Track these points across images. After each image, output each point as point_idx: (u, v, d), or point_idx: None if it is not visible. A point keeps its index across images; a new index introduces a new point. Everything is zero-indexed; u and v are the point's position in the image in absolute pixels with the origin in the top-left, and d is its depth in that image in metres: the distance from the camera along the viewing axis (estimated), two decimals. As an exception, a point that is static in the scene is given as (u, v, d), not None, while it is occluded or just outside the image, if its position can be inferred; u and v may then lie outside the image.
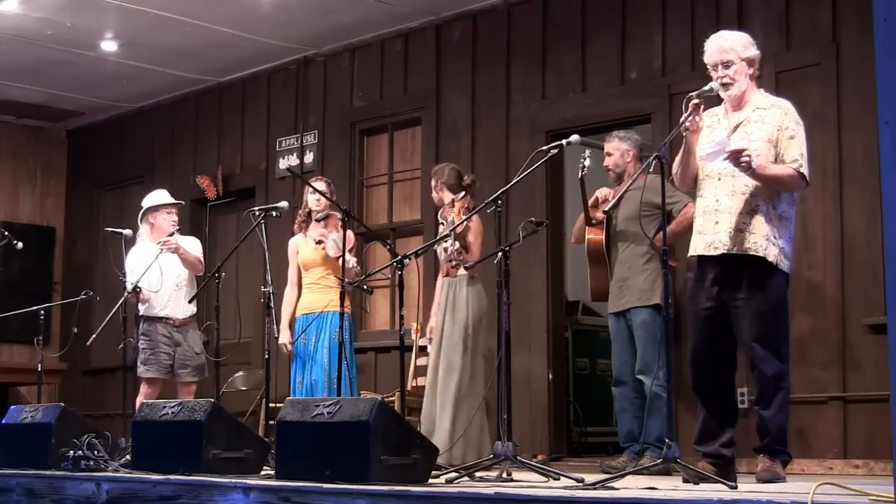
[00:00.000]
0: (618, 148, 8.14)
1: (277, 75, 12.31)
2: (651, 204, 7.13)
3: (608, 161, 8.17)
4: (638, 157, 8.11)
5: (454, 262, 7.99)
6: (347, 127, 11.47)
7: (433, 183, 8.48)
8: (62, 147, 14.92)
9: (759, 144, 6.05)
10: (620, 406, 7.93)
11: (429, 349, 8.39)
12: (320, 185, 8.71)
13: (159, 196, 9.40)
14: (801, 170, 6.06)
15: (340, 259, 7.91)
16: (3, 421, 7.67)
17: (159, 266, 8.87)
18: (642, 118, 9.44)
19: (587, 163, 7.95)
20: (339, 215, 8.53)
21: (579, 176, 8.02)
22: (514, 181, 6.69)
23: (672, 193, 6.78)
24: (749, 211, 6.04)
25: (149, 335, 8.98)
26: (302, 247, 8.84)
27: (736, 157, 5.88)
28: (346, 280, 7.72)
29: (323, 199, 8.73)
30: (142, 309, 8.97)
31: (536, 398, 9.58)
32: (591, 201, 8.12)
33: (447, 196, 8.33)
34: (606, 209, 6.29)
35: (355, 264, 8.41)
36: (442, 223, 8.36)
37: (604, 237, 8.00)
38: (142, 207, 9.39)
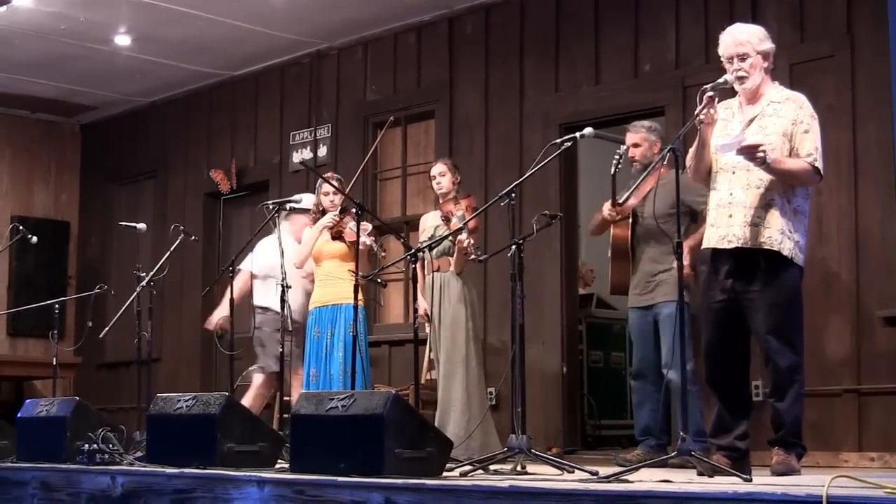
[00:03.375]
0: (646, 139, 7.95)
1: (291, 69, 12.31)
2: (685, 202, 7.09)
3: (635, 152, 7.93)
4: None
5: (471, 256, 8.01)
6: (361, 120, 11.47)
7: (447, 171, 8.46)
8: (76, 141, 14.94)
9: (774, 138, 6.04)
10: (639, 399, 7.88)
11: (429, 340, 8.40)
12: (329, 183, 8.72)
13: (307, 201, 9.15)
14: (816, 164, 6.06)
15: (356, 249, 7.90)
16: (19, 415, 7.70)
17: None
18: (656, 111, 9.41)
19: (621, 158, 7.86)
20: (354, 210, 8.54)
21: (612, 172, 7.83)
22: (528, 174, 6.69)
23: (704, 193, 6.75)
24: (764, 205, 6.03)
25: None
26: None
27: (751, 151, 5.87)
28: (361, 273, 7.73)
29: (336, 199, 8.74)
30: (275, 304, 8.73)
31: (550, 391, 9.58)
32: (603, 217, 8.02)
33: (451, 190, 8.35)
34: (621, 202, 6.26)
35: (372, 243, 8.40)
36: (445, 218, 8.35)
37: (629, 233, 7.92)
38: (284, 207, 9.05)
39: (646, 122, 8.09)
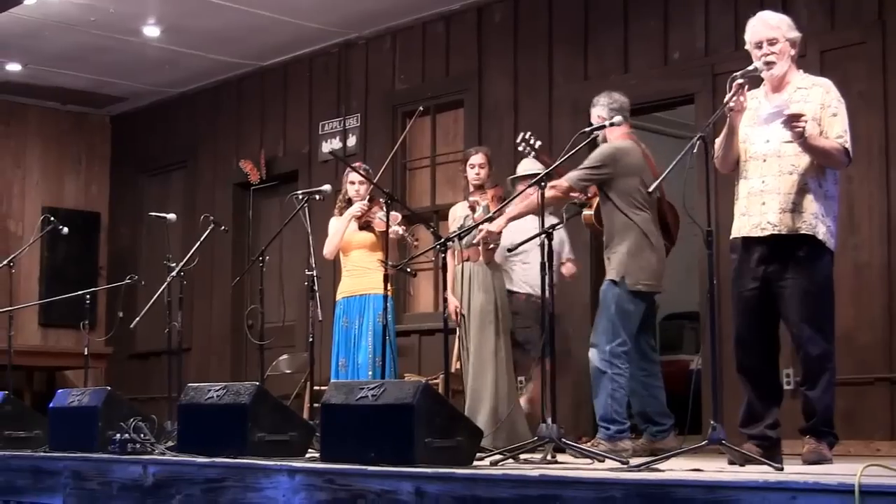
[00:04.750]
0: (597, 115, 7.66)
1: (319, 59, 12.32)
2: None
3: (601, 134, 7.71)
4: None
5: (490, 246, 8.02)
6: (390, 110, 11.47)
7: (486, 163, 8.44)
8: (106, 132, 15.01)
9: (806, 118, 6.00)
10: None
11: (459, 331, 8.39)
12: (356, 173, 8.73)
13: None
14: (846, 145, 6.03)
15: (385, 238, 7.91)
16: (51, 405, 7.73)
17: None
18: (685, 99, 9.40)
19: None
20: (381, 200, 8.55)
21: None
22: (557, 162, 6.67)
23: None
24: (798, 190, 5.99)
25: None
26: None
27: (794, 119, 5.83)
28: (390, 263, 7.74)
29: (362, 189, 8.74)
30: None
31: (581, 381, 9.55)
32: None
33: (486, 182, 8.34)
34: (650, 190, 6.25)
35: (403, 231, 8.41)
36: (472, 207, 8.35)
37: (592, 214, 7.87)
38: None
39: (602, 98, 7.81)
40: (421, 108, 9.01)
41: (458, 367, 8.48)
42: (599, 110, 7.66)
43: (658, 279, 7.40)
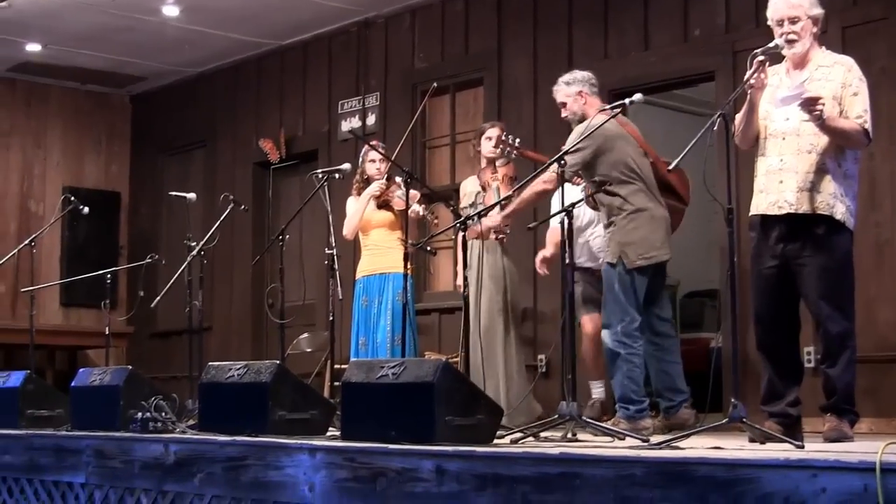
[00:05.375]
0: (567, 94, 7.65)
1: (338, 38, 12.31)
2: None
3: (565, 112, 7.68)
4: (591, 94, 7.68)
5: (500, 236, 8.07)
6: (409, 88, 11.46)
7: (498, 133, 8.44)
8: (126, 112, 15.03)
9: (824, 101, 5.98)
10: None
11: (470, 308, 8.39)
12: (375, 151, 8.73)
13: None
14: (866, 126, 6.01)
15: (404, 217, 7.91)
16: (73, 384, 7.76)
17: None
18: (706, 76, 9.36)
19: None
20: (399, 179, 8.55)
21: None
22: (578, 141, 6.66)
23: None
24: (816, 170, 5.97)
25: None
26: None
27: (811, 103, 5.81)
28: (410, 241, 7.74)
29: (382, 166, 8.74)
30: None
31: (601, 358, 9.54)
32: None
33: (496, 156, 8.33)
34: (670, 168, 6.21)
35: (422, 210, 8.41)
36: (485, 185, 8.35)
37: None
38: None
39: (563, 76, 7.75)
40: (435, 84, 8.99)
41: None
42: (576, 87, 7.61)
43: (658, 248, 7.26)
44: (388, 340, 8.47)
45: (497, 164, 8.48)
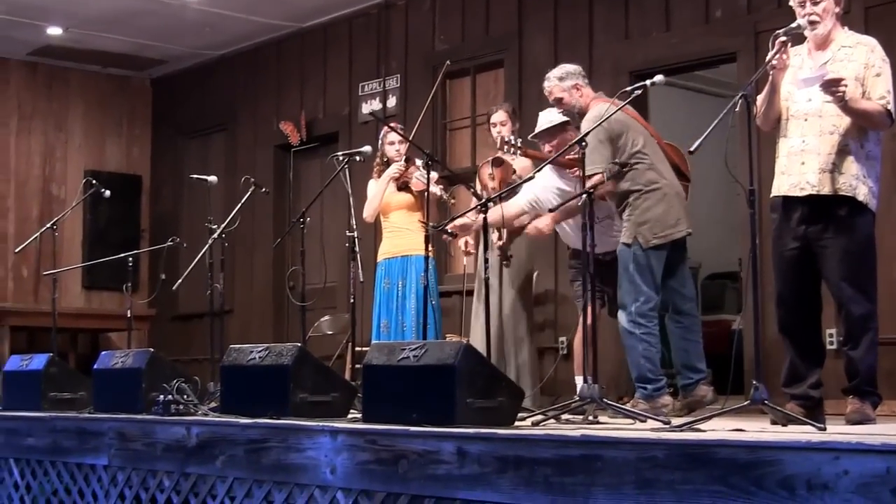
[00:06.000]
0: (563, 89, 7.52)
1: (359, 20, 12.31)
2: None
3: (561, 108, 7.61)
4: (585, 86, 7.54)
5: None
6: (430, 70, 11.44)
7: (507, 120, 8.45)
8: (147, 96, 15.06)
9: (847, 82, 5.95)
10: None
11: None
12: (395, 133, 8.72)
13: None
14: (889, 107, 5.97)
15: (425, 197, 7.90)
16: (95, 366, 7.78)
17: None
18: (727, 57, 9.33)
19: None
20: (419, 162, 8.55)
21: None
22: (598, 123, 6.64)
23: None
24: (838, 151, 5.94)
25: None
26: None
27: (833, 85, 5.78)
28: (431, 224, 7.73)
29: (402, 148, 8.74)
30: None
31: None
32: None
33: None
34: (692, 150, 6.17)
35: (441, 192, 8.41)
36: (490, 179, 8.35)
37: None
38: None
39: (553, 72, 7.64)
40: (449, 62, 8.97)
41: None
42: (571, 81, 7.52)
43: (673, 226, 7.19)
44: (415, 323, 8.47)
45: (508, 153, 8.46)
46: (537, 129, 7.92)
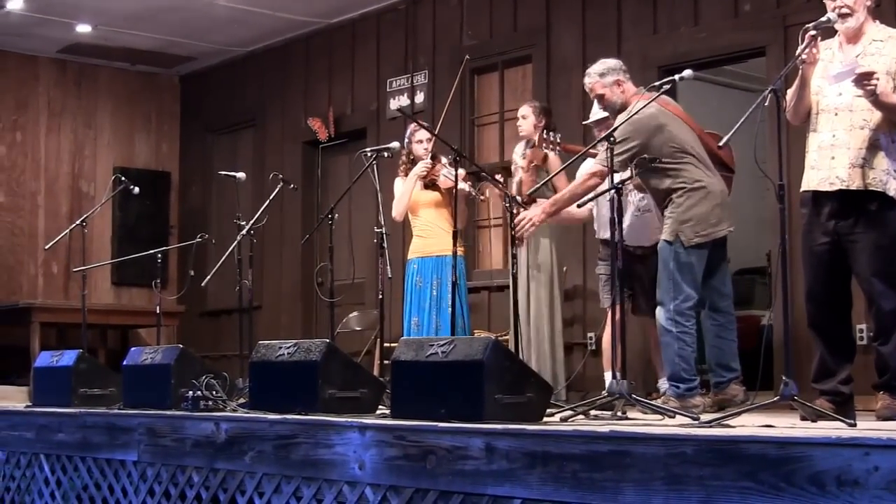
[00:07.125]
0: (604, 85, 7.45)
1: (387, 16, 12.30)
2: None
3: (602, 104, 7.58)
4: (626, 81, 7.48)
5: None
6: (457, 66, 11.42)
7: (529, 114, 8.51)
8: (175, 92, 15.11)
9: (878, 76, 5.91)
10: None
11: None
12: (422, 132, 8.73)
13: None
14: (921, 102, 5.94)
15: (451, 195, 7.89)
16: (125, 362, 7.81)
17: None
18: (756, 51, 9.28)
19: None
20: (444, 159, 8.56)
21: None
22: (627, 117, 6.62)
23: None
24: (869, 146, 5.91)
25: None
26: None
27: (866, 79, 5.74)
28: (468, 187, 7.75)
29: (429, 146, 8.74)
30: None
31: (651, 336, 9.51)
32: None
33: (532, 134, 8.32)
34: (721, 144, 6.14)
35: (469, 188, 8.41)
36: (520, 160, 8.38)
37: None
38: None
39: (594, 68, 7.53)
40: (468, 57, 8.94)
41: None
42: (612, 76, 7.47)
43: (716, 225, 7.17)
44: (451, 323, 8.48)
45: (533, 141, 8.47)
46: (591, 118, 7.97)
